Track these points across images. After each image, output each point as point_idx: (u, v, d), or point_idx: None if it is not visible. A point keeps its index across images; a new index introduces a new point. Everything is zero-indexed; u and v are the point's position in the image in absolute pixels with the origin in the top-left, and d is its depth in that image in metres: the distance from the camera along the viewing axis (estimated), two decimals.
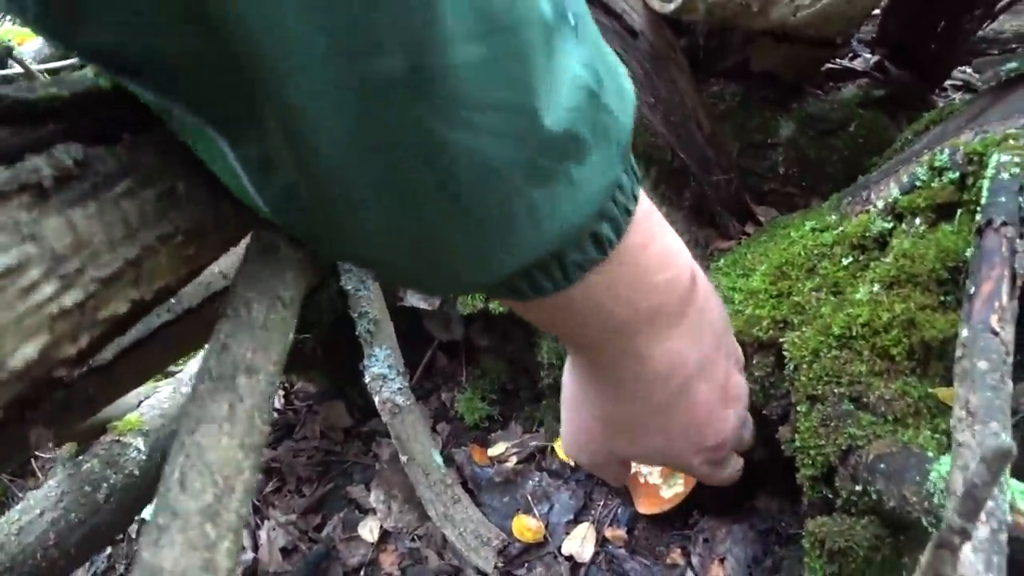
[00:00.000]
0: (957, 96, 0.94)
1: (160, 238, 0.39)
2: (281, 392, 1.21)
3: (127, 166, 0.37)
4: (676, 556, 0.87)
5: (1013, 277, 0.49)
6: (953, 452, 0.39)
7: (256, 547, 1.01)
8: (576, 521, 0.92)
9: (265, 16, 0.26)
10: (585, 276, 0.40)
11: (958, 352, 0.45)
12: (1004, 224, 0.52)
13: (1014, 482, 0.42)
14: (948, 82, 1.01)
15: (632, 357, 0.48)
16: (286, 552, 0.99)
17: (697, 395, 0.51)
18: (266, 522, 1.03)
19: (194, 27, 0.27)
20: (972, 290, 0.49)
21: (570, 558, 0.88)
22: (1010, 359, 0.44)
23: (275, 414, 1.19)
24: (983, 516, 0.35)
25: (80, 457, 0.83)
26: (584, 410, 0.56)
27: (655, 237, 0.45)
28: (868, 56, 0.96)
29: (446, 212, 0.34)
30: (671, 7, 0.72)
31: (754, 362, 0.74)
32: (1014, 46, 1.04)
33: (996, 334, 0.44)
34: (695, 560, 0.85)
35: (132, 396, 0.94)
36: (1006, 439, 0.39)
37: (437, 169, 0.32)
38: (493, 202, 0.34)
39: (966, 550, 0.33)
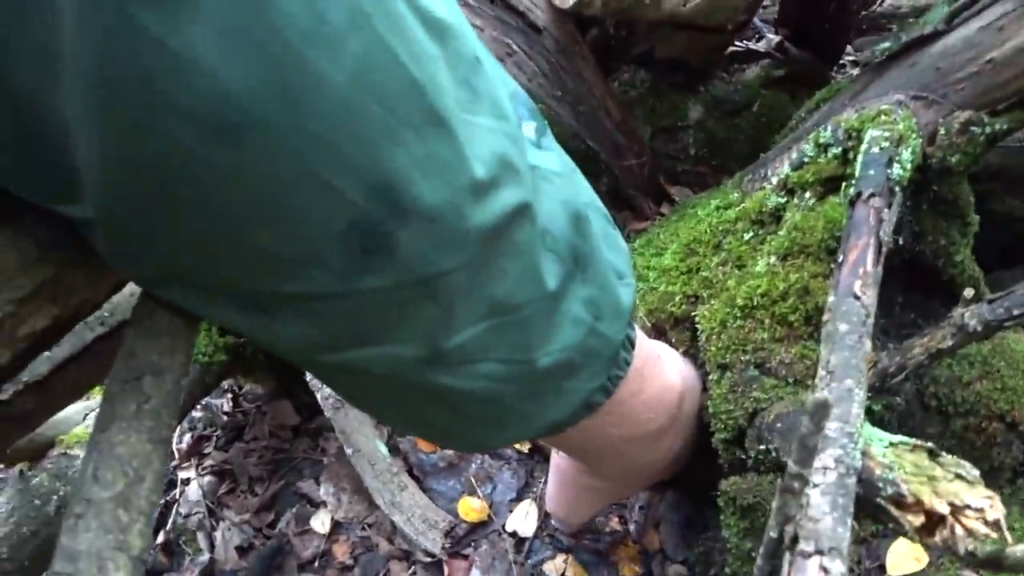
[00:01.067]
0: (855, 72, 0.99)
1: (76, 258, 0.41)
2: (230, 395, 1.22)
3: None
4: (615, 524, 0.91)
5: (879, 245, 0.54)
6: (809, 396, 0.43)
7: (212, 547, 1.03)
8: (519, 499, 0.96)
9: None
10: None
11: (825, 316, 0.49)
12: (872, 195, 0.57)
13: (874, 431, 0.46)
14: (848, 58, 1.06)
15: (623, 461, 0.59)
16: (242, 550, 1.02)
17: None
18: (221, 523, 1.05)
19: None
20: (840, 258, 0.53)
21: (514, 534, 0.92)
22: (870, 321, 0.48)
23: (224, 417, 1.21)
24: (832, 463, 0.39)
25: (29, 472, 0.84)
26: (575, 483, 0.69)
27: (646, 382, 0.53)
28: (771, 36, 1.01)
29: (448, 417, 0.41)
30: (570, 2, 0.76)
31: (672, 338, 0.78)
32: (911, 19, 1.10)
33: (858, 299, 0.49)
34: (632, 527, 0.90)
35: (78, 411, 0.96)
36: (858, 393, 0.43)
37: (440, 402, 0.39)
38: (489, 415, 0.41)
39: (815, 493, 0.37)
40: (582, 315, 0.41)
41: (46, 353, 0.58)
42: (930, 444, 0.41)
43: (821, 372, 0.46)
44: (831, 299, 0.50)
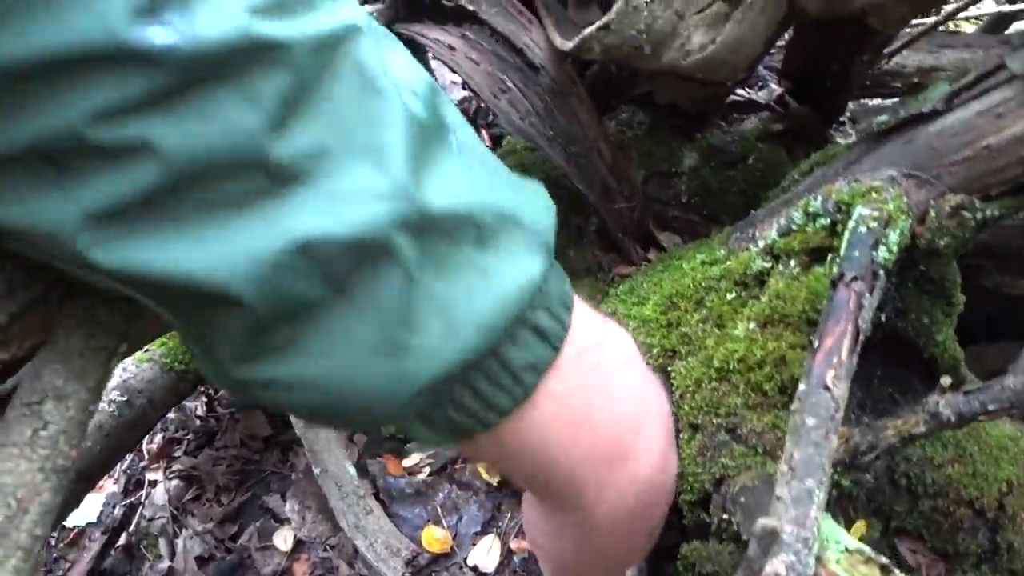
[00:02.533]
0: (852, 133, 0.99)
1: (31, 301, 0.40)
2: (204, 399, 1.22)
3: None
4: None
5: (856, 333, 0.53)
6: (772, 505, 0.42)
7: (172, 555, 1.02)
8: (483, 532, 0.95)
9: None
10: (538, 391, 0.35)
11: (793, 406, 0.48)
12: (855, 279, 0.56)
13: (832, 530, 0.46)
14: (848, 113, 1.06)
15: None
16: (202, 560, 1.01)
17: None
18: (183, 530, 1.05)
19: None
20: (816, 343, 0.52)
21: (475, 568, 0.91)
22: (839, 415, 0.48)
23: (197, 421, 1.20)
24: (784, 570, 0.39)
25: None
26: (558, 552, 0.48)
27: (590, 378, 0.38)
28: (774, 86, 1.00)
29: (336, 311, 0.30)
30: (570, 45, 0.75)
31: None
32: (915, 80, 1.09)
33: (829, 390, 0.48)
34: None
35: None
36: (818, 495, 0.42)
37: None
38: (389, 296, 0.30)
39: None
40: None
41: None
42: (884, 559, 0.41)
43: (783, 467, 0.45)
44: (802, 387, 0.50)
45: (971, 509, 0.69)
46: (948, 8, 1.08)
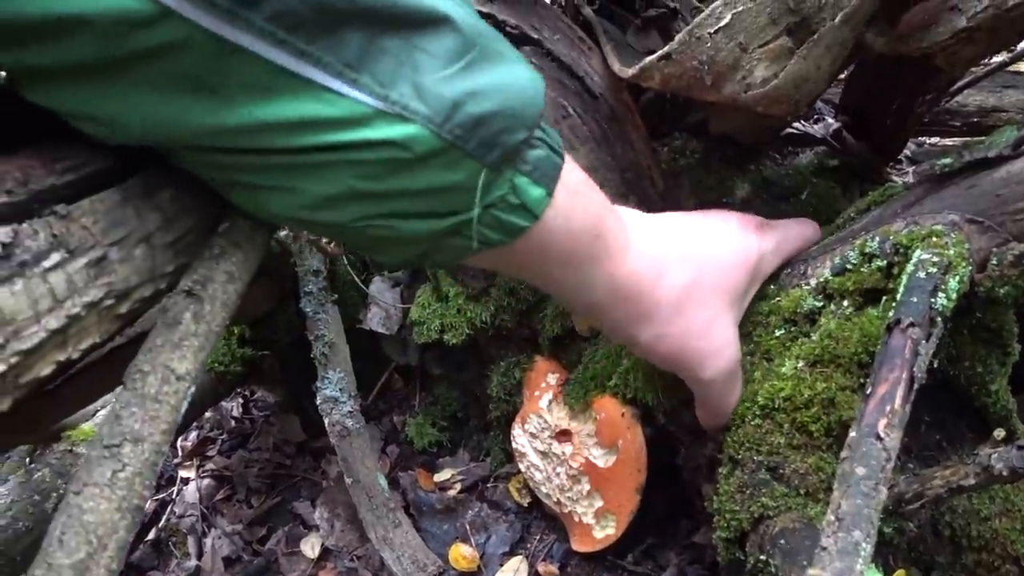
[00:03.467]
0: (911, 171, 0.97)
1: (88, 305, 0.41)
2: (240, 400, 1.23)
3: (58, 239, 0.39)
4: None
5: (911, 381, 0.52)
6: (817, 555, 0.41)
7: (200, 554, 1.03)
8: (511, 553, 0.94)
9: None
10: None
11: (844, 452, 0.47)
12: (912, 325, 0.55)
13: None
14: (906, 152, 1.04)
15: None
16: (229, 561, 1.02)
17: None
18: (212, 530, 1.05)
19: None
20: (869, 390, 0.51)
21: None
22: (890, 465, 0.46)
23: (232, 421, 1.21)
24: None
25: (32, 465, 0.85)
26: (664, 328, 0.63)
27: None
28: (830, 120, 0.99)
29: None
30: (630, 72, 0.75)
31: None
32: (976, 119, 1.07)
33: (880, 440, 0.47)
34: None
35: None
36: (864, 548, 0.41)
37: None
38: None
39: None
40: None
41: None
42: None
43: (830, 516, 0.44)
44: (852, 434, 0.48)
45: (1017, 566, 0.67)
46: (1014, 48, 1.06)
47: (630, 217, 0.61)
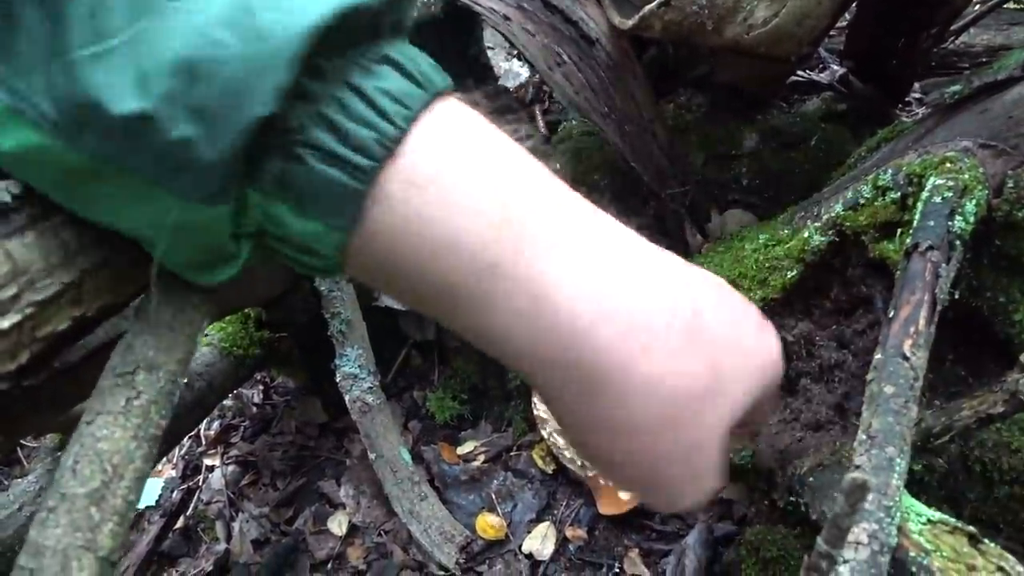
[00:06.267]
0: (920, 111, 0.96)
1: (101, 260, 0.41)
2: (261, 387, 1.23)
3: None
4: (634, 556, 0.89)
5: (933, 303, 0.51)
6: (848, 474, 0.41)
7: (229, 538, 1.03)
8: (538, 520, 0.94)
9: None
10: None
11: (870, 375, 0.47)
12: (930, 248, 0.54)
13: (912, 503, 0.44)
14: (914, 95, 1.02)
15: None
16: (258, 544, 1.02)
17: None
18: (240, 514, 1.05)
19: None
20: (892, 313, 0.50)
21: (530, 556, 0.90)
22: (918, 384, 0.46)
23: (253, 408, 1.21)
24: (866, 538, 0.37)
25: (59, 455, 0.84)
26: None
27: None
28: (836, 68, 0.98)
29: None
30: (629, 23, 0.74)
31: None
32: (984, 59, 1.06)
33: (907, 359, 0.46)
34: (652, 565, 0.88)
35: None
36: (899, 463, 0.41)
37: None
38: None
39: (845, 570, 0.35)
40: None
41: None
42: (971, 528, 0.39)
43: (861, 435, 0.43)
44: (878, 356, 0.48)
45: None
46: None
47: (592, 223, 0.32)
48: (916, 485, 0.67)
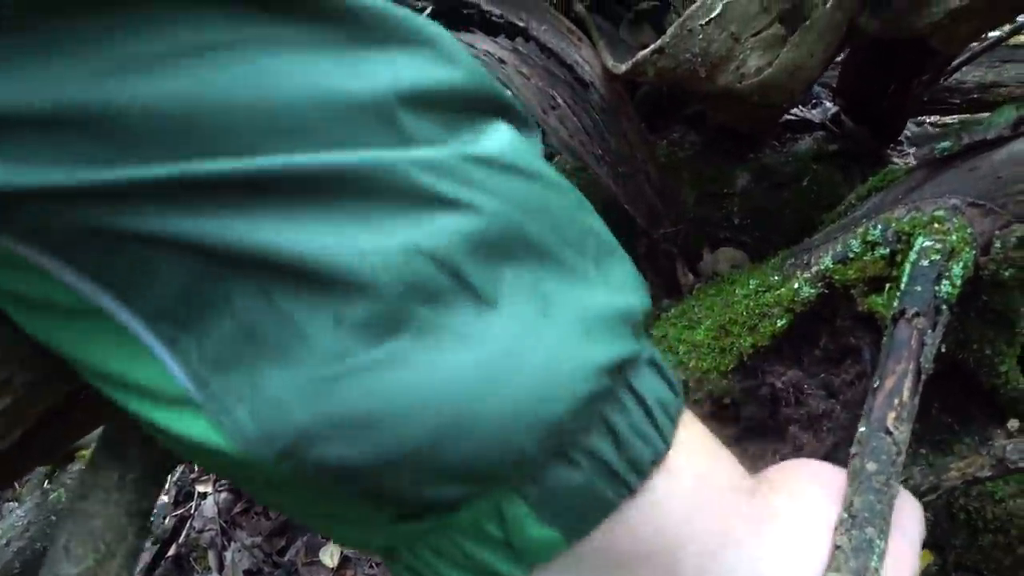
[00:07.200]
0: (911, 151, 0.97)
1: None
2: None
3: None
4: None
5: (918, 372, 0.51)
6: (829, 555, 0.41)
7: (221, 567, 1.04)
8: None
9: None
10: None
11: (853, 449, 0.47)
12: (916, 315, 0.55)
13: None
14: (907, 132, 1.03)
15: None
16: (250, 574, 1.02)
17: None
18: (232, 543, 1.06)
19: None
20: (876, 383, 0.51)
21: None
22: (900, 459, 0.46)
23: None
24: None
25: (48, 486, 0.85)
26: None
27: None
28: (828, 104, 0.98)
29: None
30: (623, 68, 0.75)
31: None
32: (975, 95, 1.06)
33: (890, 434, 0.47)
34: None
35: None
36: (878, 545, 0.41)
37: None
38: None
39: None
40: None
41: None
42: None
43: (843, 514, 0.44)
44: (861, 429, 0.48)
45: None
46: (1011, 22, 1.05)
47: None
48: None
